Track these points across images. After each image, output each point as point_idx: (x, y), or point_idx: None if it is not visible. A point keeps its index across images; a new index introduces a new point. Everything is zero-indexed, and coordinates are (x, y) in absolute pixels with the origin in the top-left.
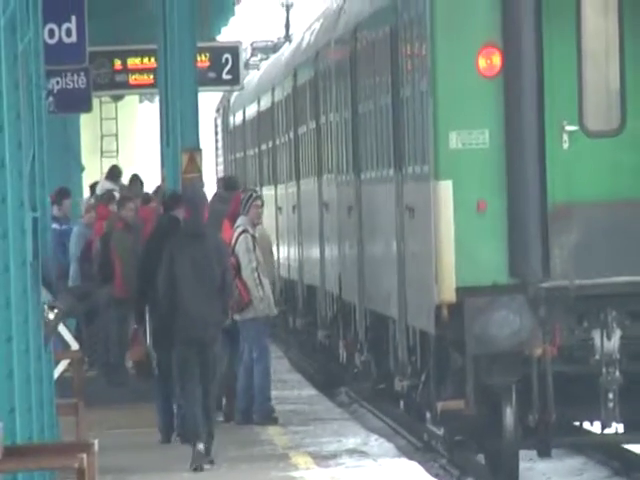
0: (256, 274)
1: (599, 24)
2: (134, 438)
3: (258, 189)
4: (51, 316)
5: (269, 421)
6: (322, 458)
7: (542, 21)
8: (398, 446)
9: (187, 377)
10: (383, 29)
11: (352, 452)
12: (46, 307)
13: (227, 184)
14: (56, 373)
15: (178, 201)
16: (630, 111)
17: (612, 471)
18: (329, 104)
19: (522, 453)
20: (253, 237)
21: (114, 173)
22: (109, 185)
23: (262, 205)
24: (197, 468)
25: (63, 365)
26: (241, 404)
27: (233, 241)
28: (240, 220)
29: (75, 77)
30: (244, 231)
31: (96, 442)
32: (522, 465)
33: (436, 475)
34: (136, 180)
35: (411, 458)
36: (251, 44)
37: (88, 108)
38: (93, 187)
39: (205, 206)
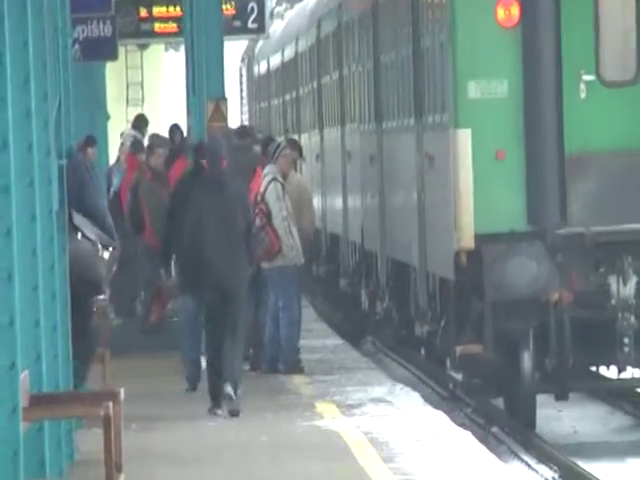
0: (286, 223)
1: None
2: (160, 387)
3: (282, 138)
4: (106, 255)
5: (295, 370)
6: (347, 407)
7: None
8: (423, 395)
9: (213, 326)
10: None
11: (377, 401)
12: (100, 246)
13: (240, 133)
14: None
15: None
16: None
17: (638, 420)
18: (352, 55)
19: (549, 402)
20: (282, 185)
21: (140, 122)
22: (134, 134)
23: (300, 155)
24: (214, 411)
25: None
26: (268, 353)
27: (262, 189)
28: (269, 168)
29: (101, 25)
30: (273, 179)
31: (122, 391)
32: (548, 413)
33: (461, 424)
34: (176, 130)
35: (437, 407)
36: None
37: (114, 56)
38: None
39: (224, 156)
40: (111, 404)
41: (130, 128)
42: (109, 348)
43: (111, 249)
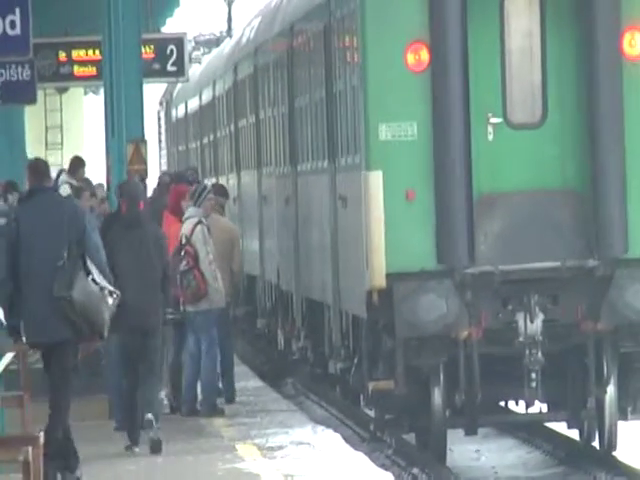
0: (213, 266)
1: (522, 22)
2: (82, 430)
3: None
4: (110, 301)
5: (215, 413)
6: (268, 449)
7: (467, 18)
8: (345, 436)
9: (130, 364)
10: (317, 26)
11: (298, 443)
12: (106, 292)
13: (178, 178)
14: (1, 366)
15: (121, 192)
16: (551, 104)
17: (556, 461)
18: (267, 98)
19: (468, 444)
20: (208, 228)
21: (76, 165)
22: (67, 180)
23: (226, 198)
24: (131, 449)
25: (8, 358)
26: (187, 396)
27: (188, 231)
28: (193, 211)
29: (20, 69)
30: (199, 222)
31: (41, 435)
32: (468, 456)
33: (382, 465)
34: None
35: (357, 448)
36: (194, 38)
37: (33, 100)
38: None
39: (141, 198)
40: (30, 449)
41: (64, 174)
42: (29, 392)
43: (115, 296)
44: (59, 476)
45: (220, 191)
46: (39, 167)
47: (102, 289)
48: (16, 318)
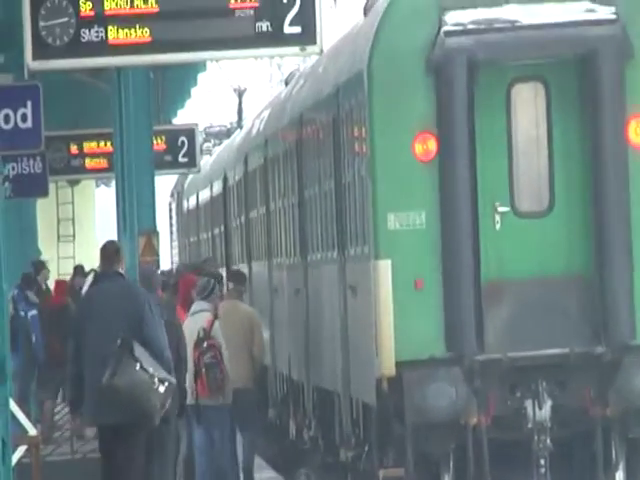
0: (227, 361)
1: (528, 111)
2: None
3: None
4: (161, 389)
5: None
6: None
7: (474, 108)
8: None
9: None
10: (326, 117)
11: None
12: (156, 380)
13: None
14: (14, 459)
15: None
16: (558, 193)
17: None
18: (278, 189)
19: None
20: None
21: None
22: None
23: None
24: None
25: (20, 451)
26: None
27: (207, 325)
28: (204, 305)
29: (31, 162)
30: (217, 316)
31: None
32: None
33: None
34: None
35: None
36: (205, 129)
37: (45, 193)
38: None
39: (158, 286)
40: None
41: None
42: None
43: (167, 384)
44: None
45: (238, 278)
46: (106, 251)
47: (152, 376)
48: (79, 399)
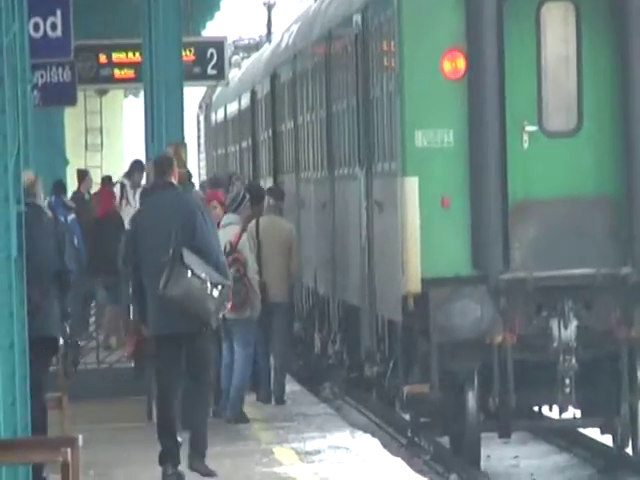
0: (257, 276)
1: (558, 30)
2: (119, 432)
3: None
4: (215, 293)
5: (241, 419)
6: (306, 454)
7: (504, 27)
8: (382, 442)
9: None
10: (355, 33)
11: (336, 448)
12: (209, 284)
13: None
14: None
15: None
16: (586, 113)
17: (594, 469)
18: (306, 104)
19: (506, 449)
20: (257, 232)
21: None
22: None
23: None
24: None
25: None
26: (229, 402)
27: (234, 239)
28: (233, 218)
29: (60, 71)
30: (244, 230)
31: (80, 437)
32: (507, 462)
33: (420, 471)
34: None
35: (395, 454)
36: (234, 42)
37: (73, 102)
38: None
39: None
40: (69, 450)
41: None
42: (68, 393)
43: (220, 287)
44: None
45: (276, 193)
46: (159, 162)
47: (204, 282)
48: (143, 309)
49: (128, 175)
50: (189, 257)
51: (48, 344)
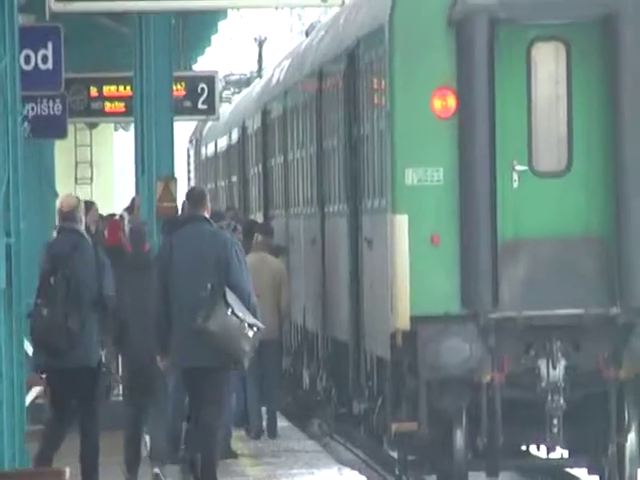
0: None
1: (548, 69)
2: (108, 466)
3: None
4: (250, 334)
5: (229, 455)
6: None
7: (494, 65)
8: (370, 479)
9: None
10: (346, 70)
11: None
12: (247, 325)
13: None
14: (28, 399)
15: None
16: (576, 153)
17: None
18: (296, 140)
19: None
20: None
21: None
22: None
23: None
24: None
25: (35, 391)
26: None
27: None
28: None
29: (51, 103)
30: None
31: (67, 470)
32: None
33: None
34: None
35: None
36: (224, 77)
37: (63, 134)
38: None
39: (145, 239)
40: None
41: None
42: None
43: (255, 329)
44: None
45: (266, 229)
46: (194, 195)
47: (242, 322)
48: (167, 342)
49: (129, 209)
50: (231, 296)
51: (88, 374)
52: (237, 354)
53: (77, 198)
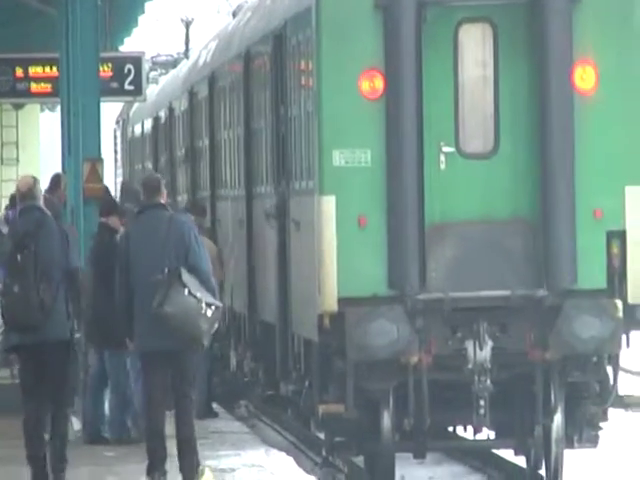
0: None
1: (475, 52)
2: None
3: None
4: (209, 313)
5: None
6: (220, 471)
7: (422, 47)
8: (297, 461)
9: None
10: (273, 51)
11: (250, 466)
12: (204, 304)
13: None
14: None
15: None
16: (503, 135)
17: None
18: (223, 121)
19: (421, 470)
20: None
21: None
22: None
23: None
24: None
25: None
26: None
27: None
28: None
29: None
30: None
31: None
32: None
33: None
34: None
35: (310, 473)
36: (151, 58)
37: None
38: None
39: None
40: None
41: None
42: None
43: (214, 307)
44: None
45: (197, 209)
46: (150, 183)
47: (199, 301)
48: (129, 327)
49: (50, 190)
50: (186, 276)
51: (63, 347)
52: (195, 333)
53: (33, 177)
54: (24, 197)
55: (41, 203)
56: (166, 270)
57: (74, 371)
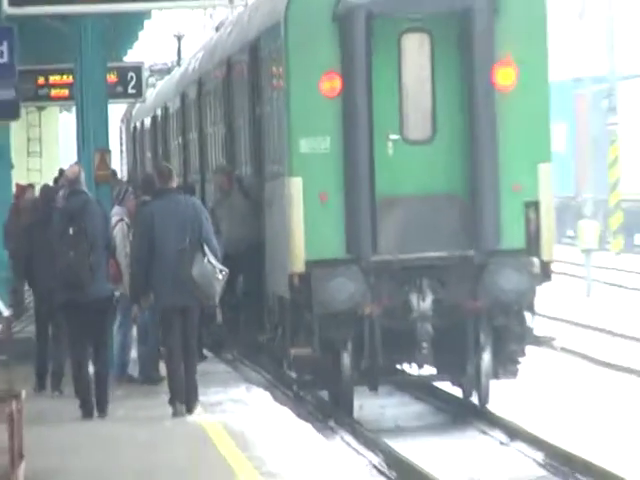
0: (128, 259)
1: (415, 56)
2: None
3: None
4: (220, 277)
5: (152, 381)
6: (210, 405)
7: (372, 53)
8: (273, 395)
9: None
10: (249, 59)
11: (235, 400)
12: (218, 270)
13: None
14: None
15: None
16: (439, 125)
17: (447, 415)
18: (209, 118)
19: (375, 400)
20: (128, 226)
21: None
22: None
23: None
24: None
25: None
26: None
27: (111, 227)
28: (116, 210)
29: (5, 91)
30: (121, 220)
31: (23, 392)
32: (376, 411)
33: (304, 418)
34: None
35: (283, 405)
36: (149, 66)
37: (17, 116)
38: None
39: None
40: (14, 403)
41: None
42: (13, 356)
43: (224, 273)
44: None
45: (188, 190)
46: (164, 172)
47: (214, 267)
48: (145, 287)
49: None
50: (206, 247)
51: (104, 303)
52: (211, 292)
53: (79, 166)
54: (72, 182)
55: (85, 187)
56: (187, 240)
57: (110, 322)
